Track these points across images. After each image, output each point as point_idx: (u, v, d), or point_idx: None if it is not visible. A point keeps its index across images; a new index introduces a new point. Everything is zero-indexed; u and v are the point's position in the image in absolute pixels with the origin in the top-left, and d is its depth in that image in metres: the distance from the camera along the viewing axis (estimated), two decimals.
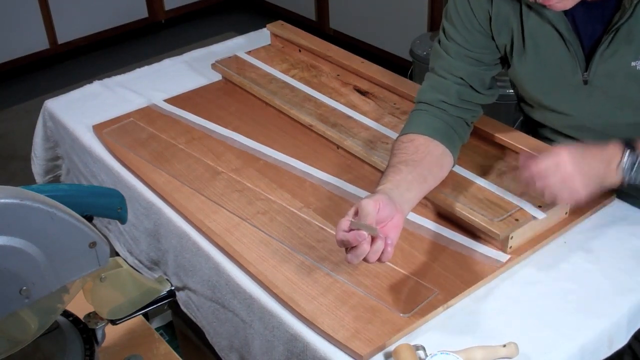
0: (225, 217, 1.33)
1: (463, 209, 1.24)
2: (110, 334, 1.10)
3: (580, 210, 1.30)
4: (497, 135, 1.36)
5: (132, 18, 4.20)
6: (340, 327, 1.08)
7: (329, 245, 1.24)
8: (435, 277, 1.17)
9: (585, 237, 1.26)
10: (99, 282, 0.94)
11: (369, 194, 1.14)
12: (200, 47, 2.07)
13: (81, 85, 1.87)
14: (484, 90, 1.31)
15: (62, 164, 1.83)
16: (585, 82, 1.24)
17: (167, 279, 1.10)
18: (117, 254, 1.58)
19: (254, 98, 1.68)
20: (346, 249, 1.05)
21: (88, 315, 1.01)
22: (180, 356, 1.12)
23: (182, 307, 1.41)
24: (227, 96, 1.74)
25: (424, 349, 1.03)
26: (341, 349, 1.06)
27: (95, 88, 1.85)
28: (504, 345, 1.03)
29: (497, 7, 1.26)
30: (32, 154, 1.86)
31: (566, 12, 1.19)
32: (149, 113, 1.69)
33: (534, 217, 1.22)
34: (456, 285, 1.15)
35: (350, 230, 1.03)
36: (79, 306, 0.97)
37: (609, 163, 1.14)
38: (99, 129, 1.63)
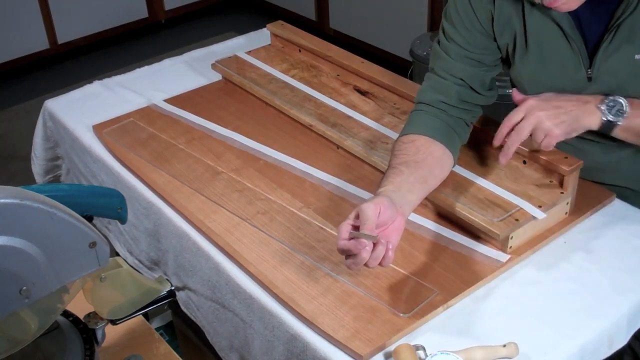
0: (225, 217, 1.33)
1: (463, 209, 1.24)
2: (110, 334, 1.10)
3: (580, 210, 1.30)
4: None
5: (132, 18, 4.20)
6: (340, 327, 1.08)
7: (329, 245, 1.24)
8: (435, 277, 1.17)
9: (585, 237, 1.26)
10: (99, 282, 0.94)
11: (371, 196, 1.14)
12: (200, 47, 2.07)
13: (81, 85, 1.87)
14: (483, 91, 1.31)
15: (62, 164, 1.83)
16: (589, 79, 1.24)
17: (167, 279, 1.10)
18: (117, 254, 1.58)
19: (254, 98, 1.68)
20: (346, 255, 1.05)
21: (88, 315, 1.01)
22: (180, 356, 1.12)
23: (182, 307, 1.41)
24: (227, 96, 1.74)
25: (424, 349, 1.03)
26: (341, 349, 1.06)
27: (95, 88, 1.85)
28: (504, 345, 1.03)
29: (499, 7, 1.26)
30: (32, 154, 1.86)
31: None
32: (149, 113, 1.69)
33: (534, 217, 1.22)
34: (456, 285, 1.15)
35: (351, 238, 1.04)
36: (79, 306, 0.97)
37: (585, 102, 1.18)
38: (99, 129, 1.63)
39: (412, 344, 1.04)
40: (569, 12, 1.19)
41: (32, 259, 0.78)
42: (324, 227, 1.29)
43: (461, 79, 1.29)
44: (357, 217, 1.06)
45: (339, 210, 1.33)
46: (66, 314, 1.01)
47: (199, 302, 1.34)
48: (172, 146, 1.55)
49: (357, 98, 1.62)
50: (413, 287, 1.15)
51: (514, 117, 1.18)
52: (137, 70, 1.94)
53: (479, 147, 1.40)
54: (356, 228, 1.06)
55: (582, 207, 1.30)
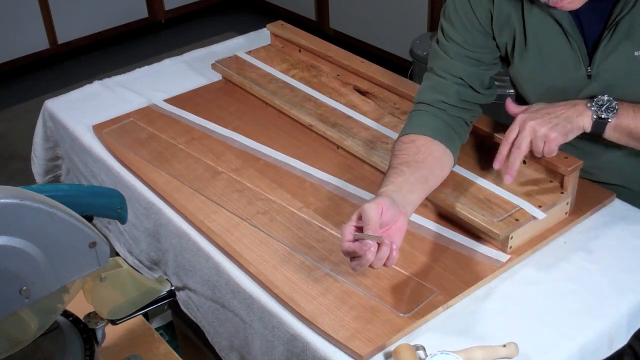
0: (225, 217, 1.33)
1: (463, 209, 1.24)
2: (110, 334, 1.10)
3: (580, 210, 1.30)
4: (497, 135, 1.36)
5: (132, 18, 4.20)
6: (340, 327, 1.08)
7: (329, 245, 1.24)
8: (436, 277, 1.17)
9: (585, 237, 1.26)
10: (99, 282, 0.94)
11: (371, 196, 1.14)
12: (200, 47, 2.07)
13: (81, 85, 1.87)
14: (483, 90, 1.31)
15: (62, 164, 1.83)
16: (589, 77, 1.24)
17: (167, 279, 1.10)
18: (117, 254, 1.58)
19: (254, 98, 1.68)
20: (351, 257, 1.05)
21: (88, 315, 1.01)
22: (180, 356, 1.12)
23: (182, 307, 1.41)
24: (227, 96, 1.74)
25: (424, 349, 1.03)
26: (341, 349, 1.06)
27: (95, 88, 1.85)
28: (504, 345, 1.03)
29: (498, 5, 1.26)
30: (32, 154, 1.86)
31: None
32: (149, 113, 1.69)
33: (534, 217, 1.22)
34: (456, 285, 1.15)
35: (355, 240, 1.04)
36: (79, 306, 0.97)
37: (574, 104, 1.20)
38: (99, 129, 1.63)
39: (412, 344, 1.04)
40: (569, 10, 1.19)
41: (32, 259, 0.78)
42: (324, 227, 1.29)
43: (460, 78, 1.29)
44: (360, 218, 1.06)
45: (339, 210, 1.33)
46: (66, 314, 1.01)
47: (199, 302, 1.34)
48: (172, 146, 1.55)
49: (357, 98, 1.62)
50: (413, 287, 1.15)
51: (509, 135, 1.20)
52: (137, 70, 1.94)
53: (479, 147, 1.40)
54: (359, 229, 1.06)
55: (582, 207, 1.30)
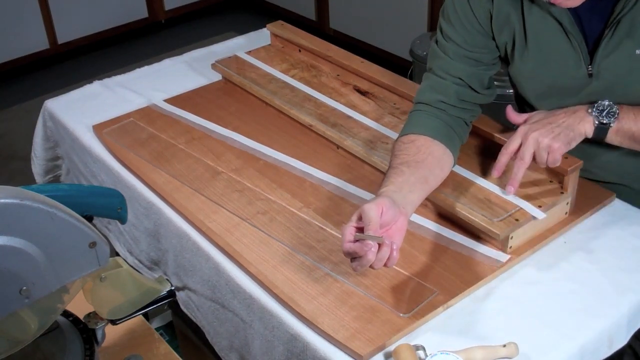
0: (225, 217, 1.33)
1: (463, 209, 1.24)
2: (110, 334, 1.10)
3: (580, 210, 1.30)
4: (497, 135, 1.36)
5: (132, 18, 4.20)
6: (340, 327, 1.08)
7: (329, 245, 1.24)
8: (436, 277, 1.17)
9: (585, 237, 1.26)
10: (99, 282, 0.94)
11: (371, 196, 1.14)
12: (200, 47, 2.07)
13: (81, 85, 1.87)
14: (482, 90, 1.31)
15: (62, 164, 1.83)
16: (590, 76, 1.24)
17: (167, 279, 1.10)
18: (117, 254, 1.58)
19: (254, 98, 1.68)
20: (352, 258, 1.05)
21: (88, 315, 1.01)
22: (180, 356, 1.12)
23: (182, 307, 1.41)
24: (227, 96, 1.74)
25: (424, 349, 1.03)
26: (341, 349, 1.06)
27: (95, 88, 1.85)
28: (504, 345, 1.03)
29: (498, 5, 1.26)
30: (32, 154, 1.86)
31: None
32: (149, 113, 1.69)
33: (534, 217, 1.22)
34: (456, 285, 1.15)
35: (356, 241, 1.04)
36: (79, 306, 0.97)
37: (574, 111, 1.21)
38: (99, 129, 1.63)
39: (412, 344, 1.04)
40: (569, 9, 1.19)
41: (32, 259, 0.78)
42: (324, 227, 1.29)
43: (460, 79, 1.29)
44: (360, 218, 1.06)
45: (339, 210, 1.33)
46: (66, 314, 1.01)
47: (199, 302, 1.34)
48: (172, 146, 1.55)
49: (357, 98, 1.62)
50: (413, 287, 1.15)
51: (511, 145, 1.21)
52: (137, 70, 1.94)
53: (479, 147, 1.40)
54: (359, 230, 1.06)
55: (582, 207, 1.30)
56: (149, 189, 1.45)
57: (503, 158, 1.22)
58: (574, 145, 1.20)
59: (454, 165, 1.30)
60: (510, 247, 1.21)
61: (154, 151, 1.54)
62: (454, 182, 1.30)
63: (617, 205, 1.33)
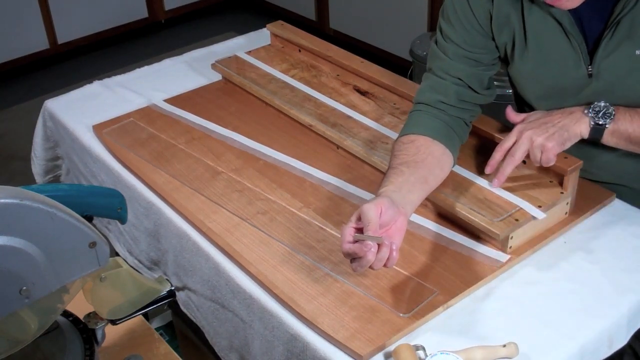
0: (225, 217, 1.33)
1: (463, 209, 1.24)
2: (110, 334, 1.10)
3: (580, 210, 1.30)
4: (497, 135, 1.36)
5: (132, 18, 4.20)
6: (340, 327, 1.08)
7: (329, 245, 1.24)
8: (436, 277, 1.17)
9: (585, 237, 1.26)
10: (99, 282, 0.94)
11: (371, 196, 1.14)
12: (200, 47, 2.07)
13: (81, 85, 1.87)
14: (482, 90, 1.31)
15: (62, 164, 1.83)
16: (590, 76, 1.24)
17: (167, 279, 1.10)
18: (117, 254, 1.58)
19: (254, 98, 1.68)
20: (351, 258, 1.05)
21: (88, 315, 1.01)
22: (180, 356, 1.12)
23: (182, 307, 1.41)
24: (227, 96, 1.74)
25: (424, 349, 1.03)
26: (341, 349, 1.06)
27: (95, 88, 1.85)
28: (504, 345, 1.03)
29: (497, 5, 1.26)
30: (32, 154, 1.86)
31: None
32: (149, 113, 1.69)
33: (534, 217, 1.22)
34: (456, 285, 1.15)
35: (355, 241, 1.04)
36: (79, 306, 0.97)
37: (571, 112, 1.22)
38: (99, 129, 1.63)
39: (412, 344, 1.04)
40: (569, 9, 1.19)
41: (32, 259, 0.78)
42: (324, 227, 1.29)
43: (459, 79, 1.29)
44: (359, 219, 1.06)
45: (339, 210, 1.33)
46: (66, 314, 1.01)
47: (199, 302, 1.34)
48: (172, 146, 1.55)
49: (357, 98, 1.62)
50: (413, 287, 1.15)
51: (505, 143, 1.23)
52: (137, 70, 1.94)
53: (479, 147, 1.40)
54: (359, 230, 1.06)
55: (582, 207, 1.30)
56: (149, 189, 1.45)
57: (497, 155, 1.24)
58: (568, 145, 1.20)
59: (453, 165, 1.30)
60: (510, 247, 1.21)
61: (154, 151, 1.54)
62: (454, 182, 1.30)
63: (617, 205, 1.33)
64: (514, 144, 1.22)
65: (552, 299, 1.14)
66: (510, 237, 1.20)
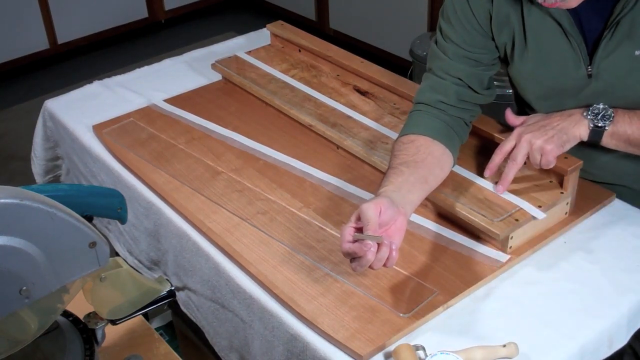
0: (225, 217, 1.33)
1: (463, 209, 1.24)
2: (110, 334, 1.10)
3: (580, 210, 1.30)
4: (497, 135, 1.36)
5: (132, 18, 4.20)
6: (340, 327, 1.08)
7: (329, 245, 1.24)
8: (435, 277, 1.17)
9: (585, 237, 1.26)
10: (99, 282, 0.94)
11: (371, 196, 1.14)
12: (200, 47, 2.07)
13: (81, 85, 1.87)
14: (482, 90, 1.31)
15: (62, 164, 1.83)
16: (590, 76, 1.24)
17: (167, 279, 1.10)
18: (117, 254, 1.58)
19: (254, 98, 1.68)
20: (351, 258, 1.05)
21: (88, 315, 1.01)
22: (180, 356, 1.12)
23: (182, 307, 1.41)
24: (227, 96, 1.74)
25: (424, 349, 1.03)
26: (341, 349, 1.06)
27: (95, 88, 1.85)
28: (504, 345, 1.03)
29: (497, 5, 1.26)
30: (32, 154, 1.86)
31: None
32: (149, 113, 1.69)
33: (534, 217, 1.22)
34: (456, 285, 1.15)
35: (355, 241, 1.04)
36: (79, 306, 0.97)
37: (569, 114, 1.22)
38: (99, 129, 1.63)
39: (412, 344, 1.04)
40: (568, 10, 1.19)
41: (32, 259, 0.78)
42: (324, 227, 1.29)
43: (459, 79, 1.29)
44: (358, 219, 1.06)
45: (339, 210, 1.33)
46: (66, 314, 1.01)
47: (199, 302, 1.34)
48: (172, 146, 1.55)
49: (357, 98, 1.62)
50: (413, 287, 1.15)
51: (505, 145, 1.24)
52: (137, 70, 1.94)
53: (479, 147, 1.40)
54: (358, 230, 1.06)
55: (582, 207, 1.30)
56: (149, 189, 1.45)
57: (497, 158, 1.25)
58: (567, 147, 1.20)
59: (453, 165, 1.30)
60: (510, 247, 1.21)
61: (154, 151, 1.54)
62: (454, 182, 1.30)
63: (617, 206, 1.33)
64: (514, 147, 1.22)
65: (552, 299, 1.14)
66: (510, 237, 1.20)
